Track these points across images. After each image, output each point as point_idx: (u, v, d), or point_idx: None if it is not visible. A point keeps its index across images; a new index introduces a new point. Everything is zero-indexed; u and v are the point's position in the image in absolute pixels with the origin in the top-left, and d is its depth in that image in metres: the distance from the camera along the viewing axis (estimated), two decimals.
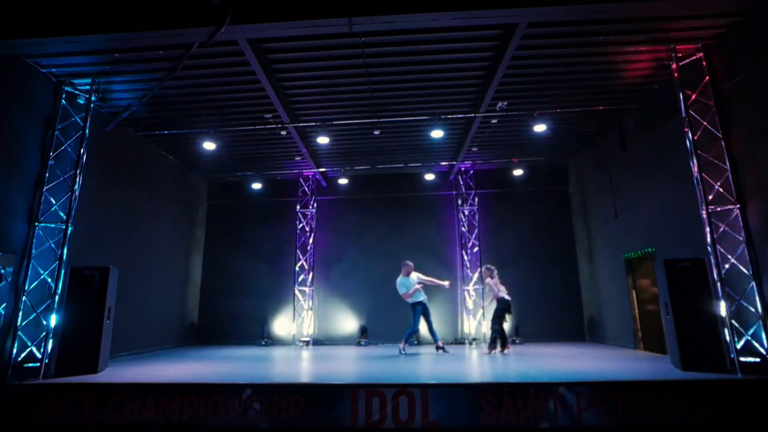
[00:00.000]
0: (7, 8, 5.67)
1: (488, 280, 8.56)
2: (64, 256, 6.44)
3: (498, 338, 8.38)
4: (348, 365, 6.90)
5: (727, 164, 5.98)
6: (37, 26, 5.65)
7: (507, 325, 10.16)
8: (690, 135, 6.31)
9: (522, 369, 6.16)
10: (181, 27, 5.57)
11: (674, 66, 6.55)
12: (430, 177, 10.89)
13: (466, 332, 10.87)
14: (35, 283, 6.30)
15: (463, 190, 11.66)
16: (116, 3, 5.65)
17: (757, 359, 5.39)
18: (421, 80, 7.44)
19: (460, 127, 9.27)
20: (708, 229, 5.98)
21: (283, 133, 8.91)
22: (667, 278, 6.02)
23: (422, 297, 8.56)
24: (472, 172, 11.67)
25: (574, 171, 11.42)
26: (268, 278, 11.76)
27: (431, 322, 8.63)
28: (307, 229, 11.82)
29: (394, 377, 5.53)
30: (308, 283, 11.45)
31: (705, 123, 6.24)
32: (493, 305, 8.53)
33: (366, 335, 10.93)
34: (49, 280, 6.39)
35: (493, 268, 8.69)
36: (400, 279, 8.74)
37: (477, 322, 10.87)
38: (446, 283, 8.79)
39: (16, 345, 5.96)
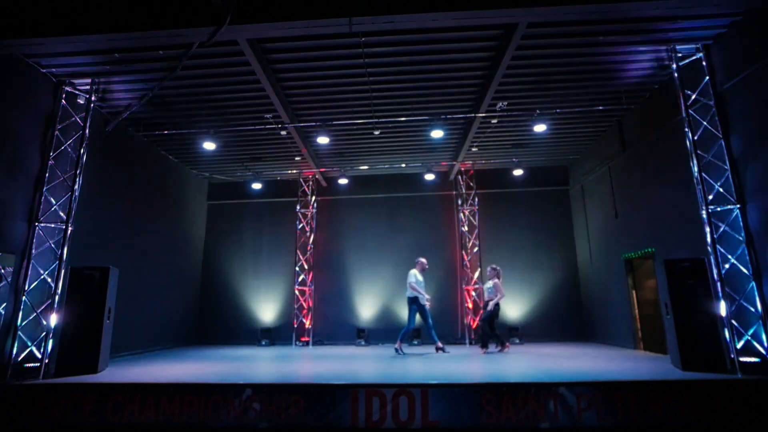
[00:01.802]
0: (7, 8, 5.67)
1: (497, 280, 8.62)
2: (64, 256, 6.44)
3: (491, 338, 8.49)
4: (348, 365, 6.90)
5: (727, 164, 5.98)
6: (37, 26, 5.66)
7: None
8: (690, 135, 6.31)
9: (522, 369, 6.16)
10: (181, 27, 5.58)
11: (674, 66, 6.55)
12: (430, 177, 10.88)
13: (466, 332, 10.85)
14: (35, 283, 6.29)
15: (463, 190, 11.66)
16: (116, 3, 5.65)
17: (757, 359, 5.39)
18: (421, 80, 7.44)
19: (460, 127, 9.27)
20: (708, 229, 5.98)
21: (283, 133, 8.91)
22: (667, 278, 6.02)
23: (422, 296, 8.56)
24: (472, 172, 11.68)
25: (574, 171, 11.42)
26: (268, 278, 11.76)
27: (431, 323, 8.58)
28: (307, 229, 11.82)
29: (394, 377, 5.53)
30: (308, 283, 11.45)
31: (705, 123, 6.24)
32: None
33: (366, 335, 10.93)
34: (49, 280, 6.39)
35: (499, 269, 8.81)
36: (414, 273, 8.66)
37: (477, 322, 10.86)
38: (428, 301, 8.63)
39: (16, 345, 5.96)
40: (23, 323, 6.10)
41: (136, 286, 8.82)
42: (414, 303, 8.49)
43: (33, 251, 6.31)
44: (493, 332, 8.56)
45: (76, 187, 6.75)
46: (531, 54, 6.71)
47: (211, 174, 11.74)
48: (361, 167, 11.34)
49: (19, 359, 5.98)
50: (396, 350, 8.51)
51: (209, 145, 8.79)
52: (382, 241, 11.75)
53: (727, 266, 5.84)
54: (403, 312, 11.27)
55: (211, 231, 12.29)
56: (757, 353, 5.44)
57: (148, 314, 9.30)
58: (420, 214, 11.89)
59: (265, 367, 6.84)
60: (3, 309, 5.88)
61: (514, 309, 11.03)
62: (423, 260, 8.94)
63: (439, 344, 8.58)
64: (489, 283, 8.75)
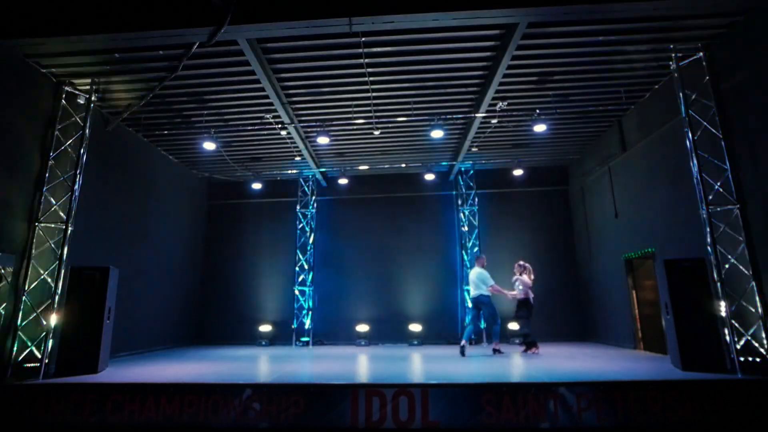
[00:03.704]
0: (7, 8, 5.67)
1: (524, 277, 8.52)
2: (64, 256, 6.44)
3: (522, 335, 8.38)
4: (348, 365, 6.90)
5: (727, 164, 5.98)
6: (37, 26, 5.66)
7: (512, 325, 10.25)
8: (690, 135, 6.31)
9: (522, 369, 6.16)
10: (181, 27, 5.58)
11: (674, 66, 6.55)
12: (430, 177, 10.88)
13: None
14: (35, 283, 6.30)
15: (463, 190, 11.66)
16: (116, 3, 5.65)
17: (757, 359, 5.39)
18: (421, 80, 7.44)
19: (460, 127, 9.27)
20: (708, 229, 5.98)
21: (283, 133, 8.91)
22: (667, 278, 6.02)
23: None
24: (472, 172, 11.68)
25: (574, 171, 11.42)
26: (268, 278, 11.76)
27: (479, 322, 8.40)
28: (307, 229, 11.81)
29: (394, 377, 5.53)
30: (308, 283, 11.45)
31: (705, 123, 6.24)
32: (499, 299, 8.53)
33: (366, 335, 10.92)
34: (49, 280, 6.39)
35: (527, 265, 8.66)
36: (480, 272, 8.33)
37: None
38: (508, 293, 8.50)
39: (16, 345, 5.96)
40: (23, 323, 6.10)
41: (136, 286, 8.82)
42: (489, 297, 8.21)
43: (33, 251, 6.31)
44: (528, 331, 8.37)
45: (76, 187, 6.74)
46: (531, 54, 6.71)
47: (211, 174, 11.74)
48: (361, 167, 11.34)
49: (19, 359, 5.98)
50: (495, 352, 8.08)
51: (209, 145, 8.79)
52: (382, 241, 11.74)
53: (727, 266, 5.84)
54: (402, 312, 11.27)
55: (211, 231, 12.28)
56: (757, 353, 5.44)
57: (148, 314, 9.30)
58: (420, 214, 11.89)
59: (265, 367, 6.83)
60: (3, 309, 5.88)
61: (513, 309, 11.01)
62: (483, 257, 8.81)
63: (496, 345, 8.21)
64: (516, 282, 8.66)
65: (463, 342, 8.03)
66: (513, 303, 8.75)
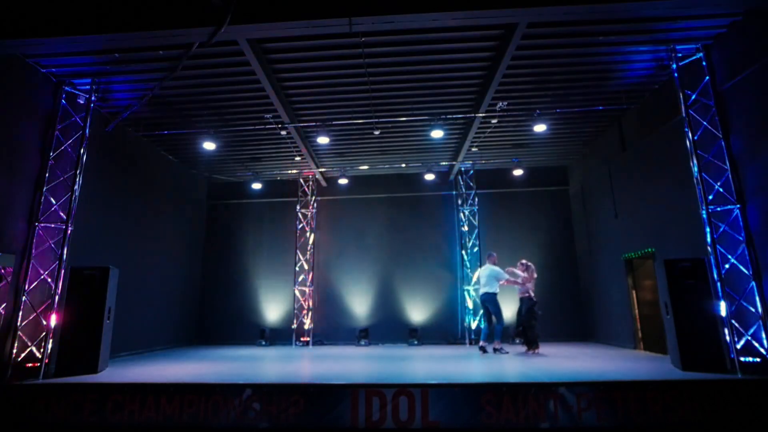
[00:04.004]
0: (7, 8, 5.67)
1: (524, 274, 8.47)
2: (64, 256, 6.44)
3: (534, 336, 8.26)
4: (348, 365, 6.90)
5: (727, 164, 5.98)
6: (37, 26, 5.66)
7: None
8: (690, 135, 6.31)
9: (522, 369, 6.16)
10: (181, 27, 5.58)
11: (674, 66, 6.56)
12: (430, 177, 10.89)
13: (466, 332, 10.85)
14: (35, 283, 6.29)
15: (463, 190, 11.66)
16: (116, 3, 5.65)
17: (757, 359, 5.39)
18: (421, 80, 7.44)
19: (460, 127, 9.27)
20: (708, 229, 5.98)
21: (283, 133, 8.91)
22: (667, 278, 6.02)
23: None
24: (472, 172, 11.68)
25: (574, 171, 11.42)
26: (268, 278, 11.76)
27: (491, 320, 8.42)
28: (307, 229, 11.82)
29: (394, 377, 5.53)
30: (308, 283, 11.45)
31: (705, 123, 6.24)
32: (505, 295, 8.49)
33: (366, 335, 10.92)
34: (49, 280, 6.39)
35: (529, 263, 8.60)
36: (492, 268, 8.46)
37: (477, 322, 10.86)
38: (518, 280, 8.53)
39: (16, 345, 5.96)
40: (23, 323, 6.09)
41: (136, 286, 8.81)
42: (496, 296, 8.32)
43: (33, 251, 6.31)
44: (531, 330, 8.24)
45: (76, 187, 6.74)
46: (531, 54, 6.71)
47: (211, 174, 11.75)
48: (361, 167, 11.34)
49: (19, 359, 5.98)
50: (497, 351, 8.16)
51: (209, 145, 8.79)
52: (382, 241, 11.74)
53: (727, 266, 5.84)
54: (402, 312, 11.28)
55: (211, 231, 12.28)
56: (757, 353, 5.44)
57: (148, 314, 9.30)
58: (420, 214, 11.89)
59: (265, 367, 6.84)
60: (3, 309, 5.88)
61: (513, 309, 11.02)
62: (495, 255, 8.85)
63: (496, 344, 8.29)
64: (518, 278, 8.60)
65: (482, 343, 8.39)
66: (515, 304, 8.74)
